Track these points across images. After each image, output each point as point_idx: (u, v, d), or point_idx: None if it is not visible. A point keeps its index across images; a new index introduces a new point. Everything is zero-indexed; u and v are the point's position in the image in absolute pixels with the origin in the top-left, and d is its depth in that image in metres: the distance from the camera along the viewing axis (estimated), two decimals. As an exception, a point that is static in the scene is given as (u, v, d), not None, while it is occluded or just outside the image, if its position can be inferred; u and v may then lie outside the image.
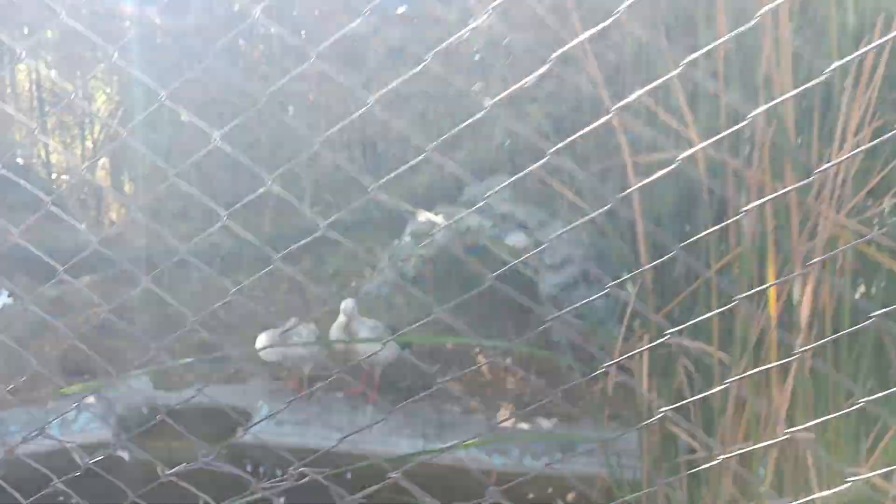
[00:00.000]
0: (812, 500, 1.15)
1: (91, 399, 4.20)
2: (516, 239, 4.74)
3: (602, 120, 1.10)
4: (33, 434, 2.25)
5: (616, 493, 2.90)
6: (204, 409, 4.38)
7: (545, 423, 3.87)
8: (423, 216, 5.11)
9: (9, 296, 5.07)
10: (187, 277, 5.51)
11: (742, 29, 0.99)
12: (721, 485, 2.14)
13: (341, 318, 3.88)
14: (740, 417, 2.16)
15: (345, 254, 5.76)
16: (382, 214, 6.29)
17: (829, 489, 1.12)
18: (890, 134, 1.05)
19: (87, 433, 4.09)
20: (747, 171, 2.22)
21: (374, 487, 1.61)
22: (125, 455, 4.02)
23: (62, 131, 8.57)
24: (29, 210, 5.08)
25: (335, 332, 3.92)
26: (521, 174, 1.23)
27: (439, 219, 4.96)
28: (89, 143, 8.50)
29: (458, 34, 1.20)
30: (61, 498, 4.07)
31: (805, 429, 1.63)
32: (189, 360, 4.38)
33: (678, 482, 2.34)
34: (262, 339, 4.06)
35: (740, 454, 2.07)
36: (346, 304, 3.90)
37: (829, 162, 2.02)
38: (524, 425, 3.87)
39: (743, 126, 1.11)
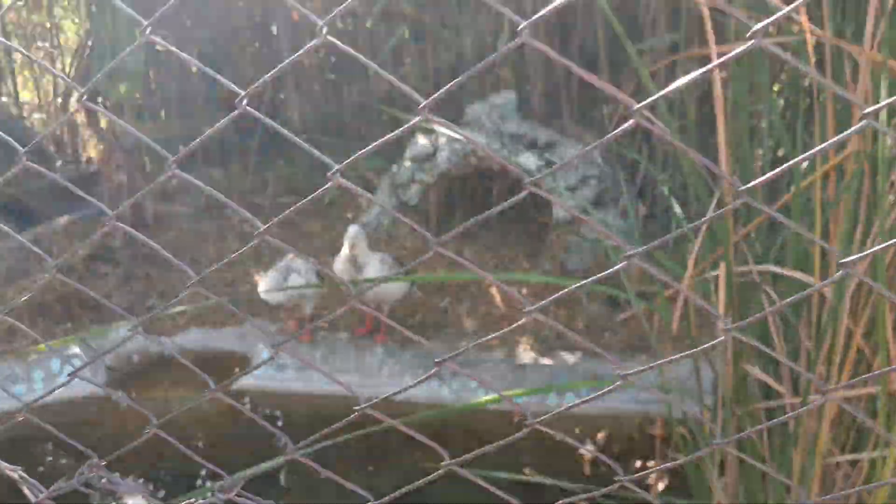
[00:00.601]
0: None
1: (76, 349, 3.88)
2: (526, 160, 4.38)
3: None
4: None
5: (676, 437, 2.61)
6: (199, 355, 4.11)
7: (569, 358, 3.59)
8: (424, 139, 4.73)
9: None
10: (171, 215, 5.14)
11: None
12: (817, 441, 1.84)
13: (345, 250, 3.53)
14: (844, 356, 1.85)
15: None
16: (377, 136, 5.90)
17: None
18: None
19: (73, 387, 3.75)
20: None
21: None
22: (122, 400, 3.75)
23: (31, 67, 8.08)
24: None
25: (340, 265, 3.58)
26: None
27: (441, 141, 4.59)
28: (60, 79, 8.03)
29: None
30: (49, 457, 3.83)
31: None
32: (180, 307, 4.05)
33: (757, 436, 2.05)
34: (264, 282, 3.73)
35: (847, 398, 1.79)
36: (352, 231, 3.54)
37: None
38: (546, 360, 3.59)
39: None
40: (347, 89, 5.97)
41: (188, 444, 3.31)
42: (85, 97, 1.25)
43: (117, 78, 4.37)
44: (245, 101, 0.94)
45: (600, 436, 3.37)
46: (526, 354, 3.64)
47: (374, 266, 3.54)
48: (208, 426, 3.74)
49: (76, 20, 8.42)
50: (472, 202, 5.22)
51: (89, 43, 6.40)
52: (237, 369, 4.02)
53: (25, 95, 7.80)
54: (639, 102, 0.87)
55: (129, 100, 4.49)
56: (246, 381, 3.83)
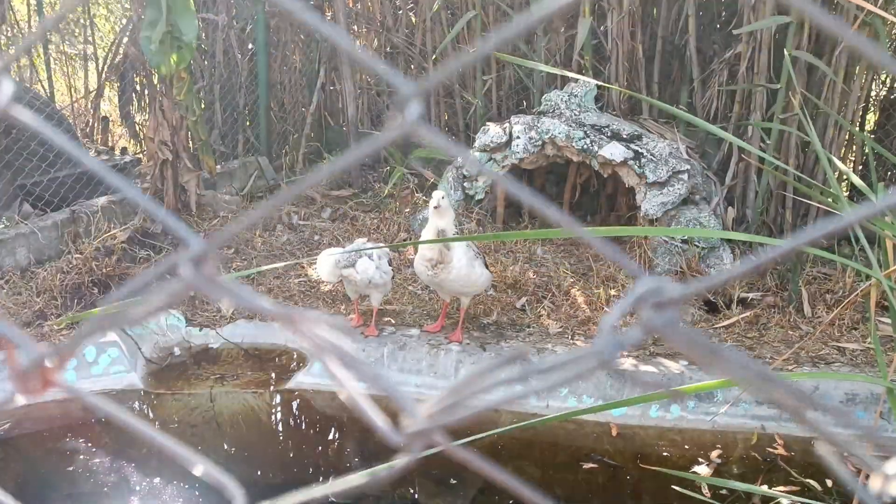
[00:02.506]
0: None
1: (112, 338, 3.48)
2: (613, 150, 3.97)
3: None
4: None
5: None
6: (247, 349, 3.70)
7: (673, 366, 3.15)
8: (496, 127, 4.34)
9: (5, 226, 4.34)
10: (215, 202, 4.76)
11: None
12: None
13: (432, 214, 3.07)
14: None
15: (399, 172, 5.01)
16: (444, 128, 5.52)
17: None
18: None
19: (109, 377, 3.37)
20: None
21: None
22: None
23: (66, 62, 7.85)
24: (35, 141, 4.27)
25: (428, 235, 3.13)
26: None
27: (518, 127, 4.20)
28: (93, 75, 7.78)
29: None
30: (82, 454, 3.41)
31: None
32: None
33: None
34: (324, 257, 3.29)
35: None
36: (438, 195, 3.08)
37: None
38: (648, 368, 3.15)
39: None
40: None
41: (235, 443, 2.85)
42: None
43: (168, 47, 4.02)
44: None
45: (715, 454, 2.91)
46: (623, 360, 3.20)
47: (461, 248, 3.12)
48: (257, 423, 3.32)
49: (115, 11, 8.20)
50: (546, 197, 4.83)
51: (129, 27, 6.12)
52: (289, 365, 3.61)
53: (59, 90, 7.54)
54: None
55: (182, 69, 4.11)
56: (301, 379, 3.43)
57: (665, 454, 2.93)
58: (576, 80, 4.38)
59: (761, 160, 4.09)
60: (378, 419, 0.41)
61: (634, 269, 0.40)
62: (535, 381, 0.41)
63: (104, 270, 3.79)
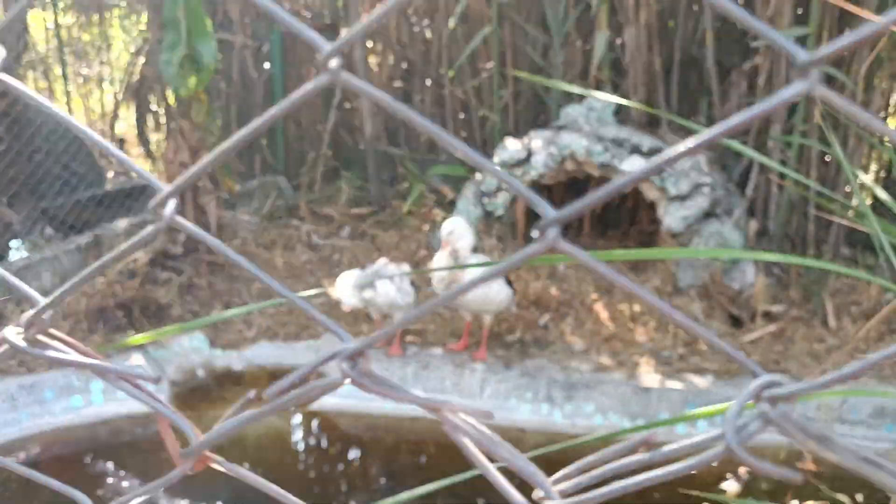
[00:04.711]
0: None
1: (138, 360, 3.49)
2: (633, 165, 3.96)
3: None
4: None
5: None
6: (271, 370, 3.70)
7: (699, 382, 3.13)
8: (515, 142, 4.34)
9: (32, 246, 4.37)
10: (235, 222, 4.79)
11: None
12: None
13: (445, 249, 3.09)
14: None
15: (419, 189, 5.01)
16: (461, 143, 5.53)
17: None
18: None
19: (135, 400, 3.37)
20: None
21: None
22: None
23: (81, 83, 7.94)
24: (58, 165, 4.29)
25: (441, 263, 3.15)
26: None
27: (537, 142, 4.20)
28: (109, 95, 7.87)
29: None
30: (110, 477, 3.41)
31: None
32: (249, 307, 3.67)
33: None
34: (343, 280, 3.31)
35: None
36: (448, 228, 3.09)
37: None
38: (674, 384, 3.13)
39: None
40: (419, 98, 5.63)
41: (261, 464, 2.86)
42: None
43: (188, 70, 4.05)
44: None
45: (743, 470, 2.89)
46: (649, 377, 3.19)
47: (477, 270, 3.11)
48: (283, 444, 3.33)
49: (130, 32, 8.28)
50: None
51: (146, 49, 6.18)
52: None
53: (77, 110, 7.62)
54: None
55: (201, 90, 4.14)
56: (325, 400, 3.43)
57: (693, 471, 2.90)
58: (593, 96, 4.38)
59: (781, 175, 4.07)
60: (516, 495, 0.45)
61: (751, 365, 0.43)
62: (661, 471, 0.44)
63: (128, 293, 3.81)
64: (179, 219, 0.49)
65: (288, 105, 0.44)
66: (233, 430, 0.50)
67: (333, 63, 0.41)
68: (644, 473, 0.45)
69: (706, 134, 0.40)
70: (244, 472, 0.55)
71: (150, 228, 0.48)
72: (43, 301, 0.49)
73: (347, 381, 0.46)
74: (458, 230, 3.02)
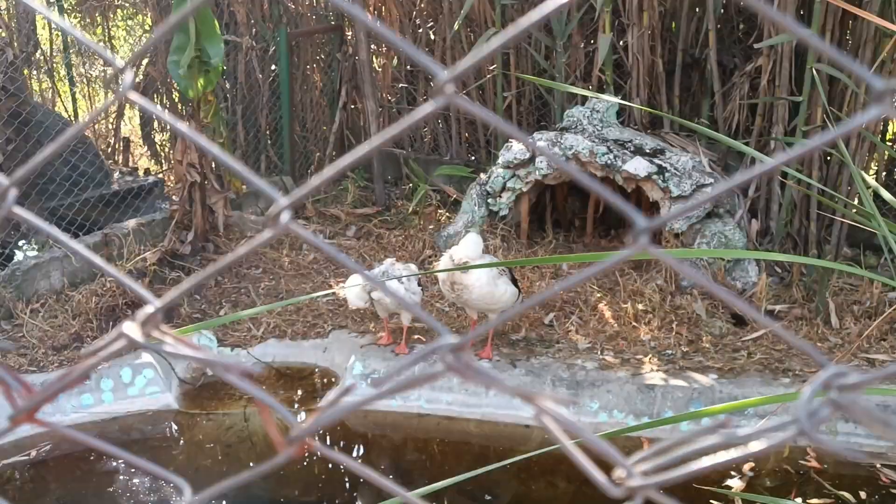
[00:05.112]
0: None
1: (147, 359, 3.53)
2: (636, 166, 4.00)
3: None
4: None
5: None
6: (279, 368, 3.74)
7: (703, 380, 3.17)
8: (518, 144, 4.38)
9: (41, 246, 4.41)
10: (242, 221, 4.83)
11: None
12: None
13: (454, 255, 3.16)
14: None
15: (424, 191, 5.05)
16: (453, 147, 5.57)
17: None
18: None
19: (145, 398, 3.43)
20: None
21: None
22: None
23: (87, 85, 7.97)
24: (65, 164, 4.34)
25: (446, 264, 3.21)
26: None
27: (541, 143, 4.23)
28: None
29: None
30: (121, 475, 3.45)
31: None
32: (259, 308, 3.71)
33: None
34: (351, 281, 3.35)
35: None
36: (460, 256, 3.16)
37: None
38: (678, 382, 3.17)
39: None
40: (423, 99, 5.67)
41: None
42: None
43: (196, 71, 4.09)
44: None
45: (747, 467, 2.93)
46: (653, 375, 3.22)
47: (482, 270, 3.16)
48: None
49: (135, 32, 8.32)
50: (562, 212, 4.87)
51: (149, 53, 6.21)
52: (321, 384, 3.65)
53: (81, 111, 7.65)
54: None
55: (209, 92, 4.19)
56: (332, 397, 3.46)
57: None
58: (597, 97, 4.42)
59: (784, 174, 4.10)
60: (598, 474, 0.49)
61: (820, 357, 0.48)
62: (736, 451, 0.49)
63: (136, 292, 3.84)
64: (294, 226, 0.54)
65: (404, 127, 0.48)
66: (332, 418, 0.55)
67: (450, 88, 0.45)
68: (721, 453, 0.48)
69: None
70: (340, 457, 0.60)
71: (266, 233, 0.52)
72: (158, 302, 0.56)
73: (450, 372, 0.50)
74: (472, 255, 3.09)
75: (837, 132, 0.43)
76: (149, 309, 0.56)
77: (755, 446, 0.46)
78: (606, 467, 0.52)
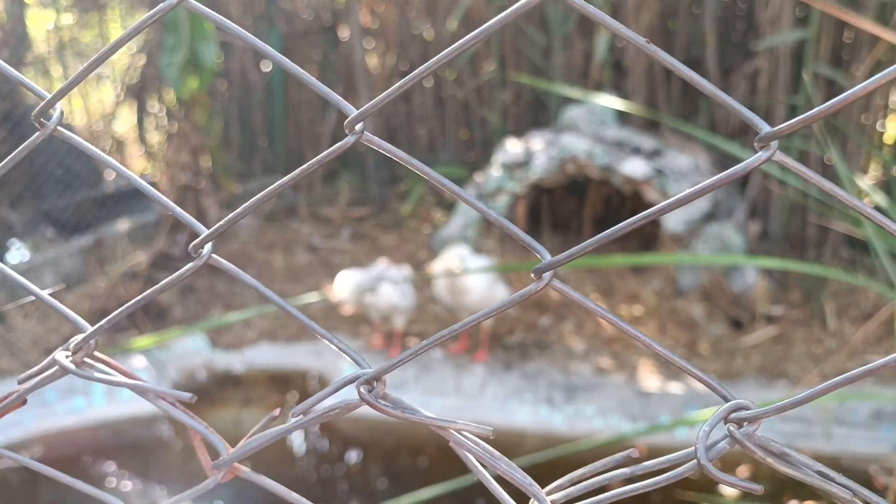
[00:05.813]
0: None
1: (140, 364, 3.51)
2: (634, 167, 3.98)
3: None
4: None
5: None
6: (272, 372, 3.72)
7: (699, 384, 3.14)
8: (515, 144, 4.35)
9: (33, 248, 4.38)
10: (234, 226, 4.79)
11: None
12: None
13: (446, 263, 3.14)
14: None
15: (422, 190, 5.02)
16: (448, 146, 5.54)
17: None
18: None
19: (137, 402, 3.39)
20: None
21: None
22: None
23: (82, 85, 7.92)
24: (58, 166, 4.31)
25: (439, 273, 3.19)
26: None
27: (538, 144, 4.21)
28: (109, 94, 7.87)
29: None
30: (113, 479, 3.43)
31: None
32: (250, 311, 3.68)
33: None
34: (342, 280, 3.33)
35: None
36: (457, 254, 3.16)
37: None
38: (675, 386, 3.14)
39: None
40: (419, 97, 5.64)
41: (263, 466, 2.88)
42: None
43: (189, 72, 4.06)
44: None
45: (742, 471, 2.90)
46: (649, 379, 3.20)
47: (477, 276, 3.14)
48: (283, 446, 3.34)
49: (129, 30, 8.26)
50: (559, 215, 4.84)
51: (144, 54, 6.17)
52: (313, 388, 3.62)
53: (76, 111, 7.62)
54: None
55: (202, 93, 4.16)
56: (326, 402, 3.44)
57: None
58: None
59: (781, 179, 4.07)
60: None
61: (722, 390, 0.49)
62: (641, 484, 0.51)
63: (130, 295, 3.82)
64: (216, 258, 0.57)
65: (314, 165, 0.53)
66: (259, 446, 0.57)
67: (360, 127, 0.49)
68: (628, 486, 0.50)
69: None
70: (268, 482, 0.61)
71: (189, 266, 0.55)
72: (90, 328, 0.57)
73: (363, 404, 0.51)
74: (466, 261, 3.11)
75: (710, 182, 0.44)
76: (80, 336, 0.57)
77: (655, 482, 0.48)
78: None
